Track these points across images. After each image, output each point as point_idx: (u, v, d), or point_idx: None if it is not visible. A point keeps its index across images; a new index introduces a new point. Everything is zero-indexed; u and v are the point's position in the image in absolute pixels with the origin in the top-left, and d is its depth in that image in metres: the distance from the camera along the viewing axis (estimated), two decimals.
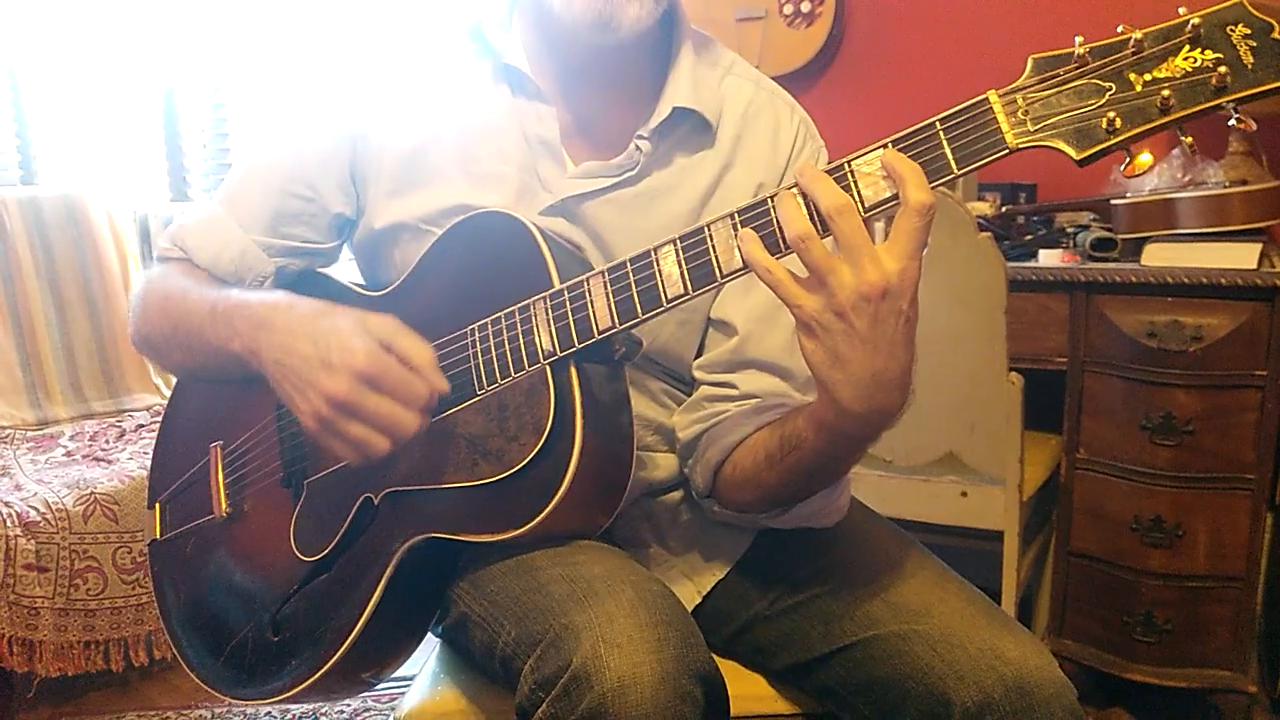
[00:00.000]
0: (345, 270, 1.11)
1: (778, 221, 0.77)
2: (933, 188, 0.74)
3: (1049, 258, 1.87)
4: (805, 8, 2.47)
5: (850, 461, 0.88)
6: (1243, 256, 1.69)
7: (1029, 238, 2.00)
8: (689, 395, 1.05)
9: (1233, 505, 1.73)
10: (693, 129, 1.01)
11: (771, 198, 0.78)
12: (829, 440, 0.83)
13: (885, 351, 0.74)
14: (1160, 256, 1.75)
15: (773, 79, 1.09)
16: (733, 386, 1.00)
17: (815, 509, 0.96)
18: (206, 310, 0.96)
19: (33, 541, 1.86)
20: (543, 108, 1.00)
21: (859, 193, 0.76)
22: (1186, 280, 1.70)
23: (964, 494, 1.81)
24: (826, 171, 0.77)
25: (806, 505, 0.94)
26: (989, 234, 1.64)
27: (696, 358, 1.04)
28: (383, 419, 0.84)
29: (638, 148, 0.99)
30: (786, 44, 2.49)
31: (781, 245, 0.77)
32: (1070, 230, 1.97)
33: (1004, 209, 2.10)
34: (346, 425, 0.84)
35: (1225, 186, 1.73)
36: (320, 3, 2.85)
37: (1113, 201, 1.84)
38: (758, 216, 0.79)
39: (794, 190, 0.77)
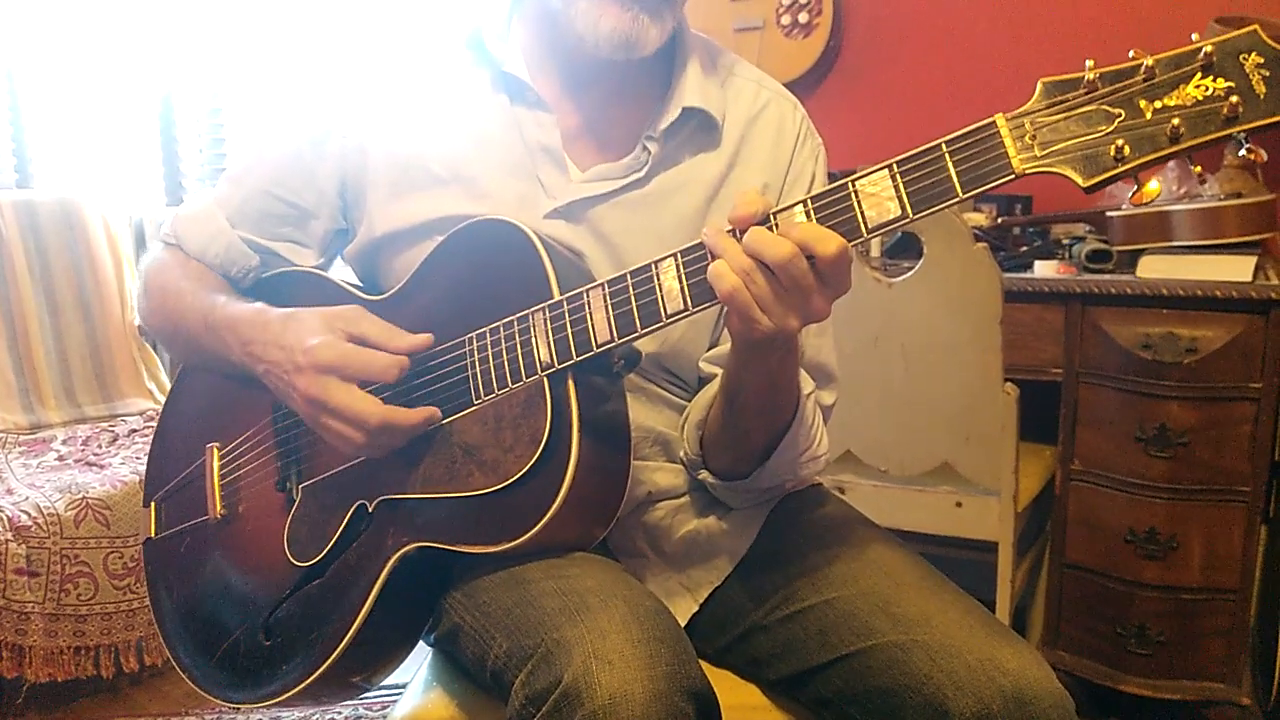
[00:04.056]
0: (343, 272, 1.10)
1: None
2: (936, 211, 0.74)
3: (1044, 269, 1.87)
4: (802, 18, 2.47)
5: (788, 376, 0.92)
6: (1237, 269, 1.69)
7: (1025, 249, 2.01)
8: (690, 399, 1.05)
9: (1227, 518, 1.73)
10: (698, 129, 1.02)
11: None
12: (760, 375, 0.89)
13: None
14: (1155, 268, 1.75)
15: None
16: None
17: (790, 462, 0.98)
18: (200, 321, 1.02)
19: (23, 546, 1.85)
20: (543, 115, 1.00)
21: (862, 213, 0.76)
22: (1181, 292, 1.70)
23: (959, 504, 1.81)
24: (830, 190, 0.78)
25: (780, 462, 0.97)
26: (985, 245, 1.64)
27: (708, 350, 1.05)
28: (346, 409, 0.89)
29: (646, 149, 1.00)
30: (784, 54, 2.49)
31: None
32: (1066, 242, 1.98)
33: (1000, 220, 2.10)
34: (325, 420, 0.91)
35: (1220, 199, 1.74)
36: (318, 9, 2.85)
37: (1108, 214, 1.85)
38: None
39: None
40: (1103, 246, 1.86)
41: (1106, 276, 1.80)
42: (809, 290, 0.77)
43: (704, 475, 1.02)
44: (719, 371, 1.02)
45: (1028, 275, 1.87)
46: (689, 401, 1.05)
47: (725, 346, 1.03)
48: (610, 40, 0.93)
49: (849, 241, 0.77)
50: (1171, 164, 1.82)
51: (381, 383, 0.90)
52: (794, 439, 0.97)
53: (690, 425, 1.01)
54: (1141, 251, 1.78)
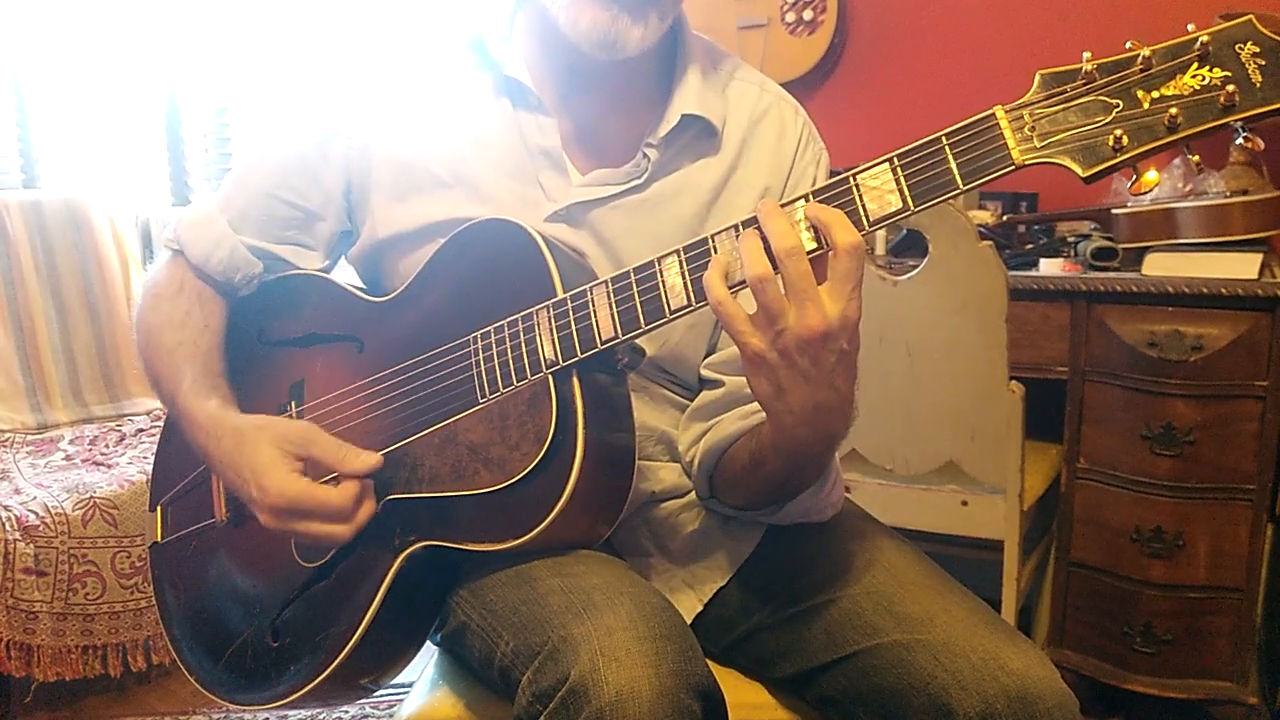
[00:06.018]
0: (347, 273, 1.11)
1: (739, 255, 0.78)
2: (937, 203, 0.74)
3: (1050, 267, 1.87)
4: (807, 15, 2.47)
5: (814, 471, 0.93)
6: (1243, 266, 1.69)
7: (1030, 247, 2.01)
8: (693, 400, 1.05)
9: (1233, 516, 1.73)
10: (699, 134, 1.02)
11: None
12: (787, 457, 0.88)
13: (825, 385, 0.78)
14: (1161, 266, 1.75)
15: None
16: (736, 390, 1.00)
17: (807, 506, 0.98)
18: (171, 392, 1.03)
19: (31, 545, 1.86)
20: (544, 119, 1.00)
21: (864, 206, 0.77)
22: (1187, 290, 1.70)
23: (964, 503, 1.81)
24: (832, 184, 0.78)
25: (797, 504, 0.97)
26: (990, 243, 1.64)
27: (707, 355, 1.05)
28: (312, 537, 0.93)
29: (645, 155, 0.99)
30: (788, 52, 2.49)
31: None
32: (1071, 239, 1.97)
33: (1005, 218, 2.10)
34: (297, 540, 0.98)
35: (1226, 196, 1.73)
36: (323, 10, 2.86)
37: (1114, 211, 1.84)
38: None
39: (757, 229, 0.77)
40: (1108, 244, 1.86)
41: (1112, 274, 1.80)
42: (805, 292, 0.75)
43: (715, 506, 1.03)
44: (721, 379, 1.02)
45: (1033, 273, 1.87)
46: (690, 401, 1.05)
47: (725, 353, 1.03)
48: (589, 39, 0.92)
49: None
50: (1176, 161, 1.82)
51: (332, 521, 0.91)
52: (816, 490, 0.97)
53: (699, 469, 1.01)
54: (1147, 249, 1.78)
